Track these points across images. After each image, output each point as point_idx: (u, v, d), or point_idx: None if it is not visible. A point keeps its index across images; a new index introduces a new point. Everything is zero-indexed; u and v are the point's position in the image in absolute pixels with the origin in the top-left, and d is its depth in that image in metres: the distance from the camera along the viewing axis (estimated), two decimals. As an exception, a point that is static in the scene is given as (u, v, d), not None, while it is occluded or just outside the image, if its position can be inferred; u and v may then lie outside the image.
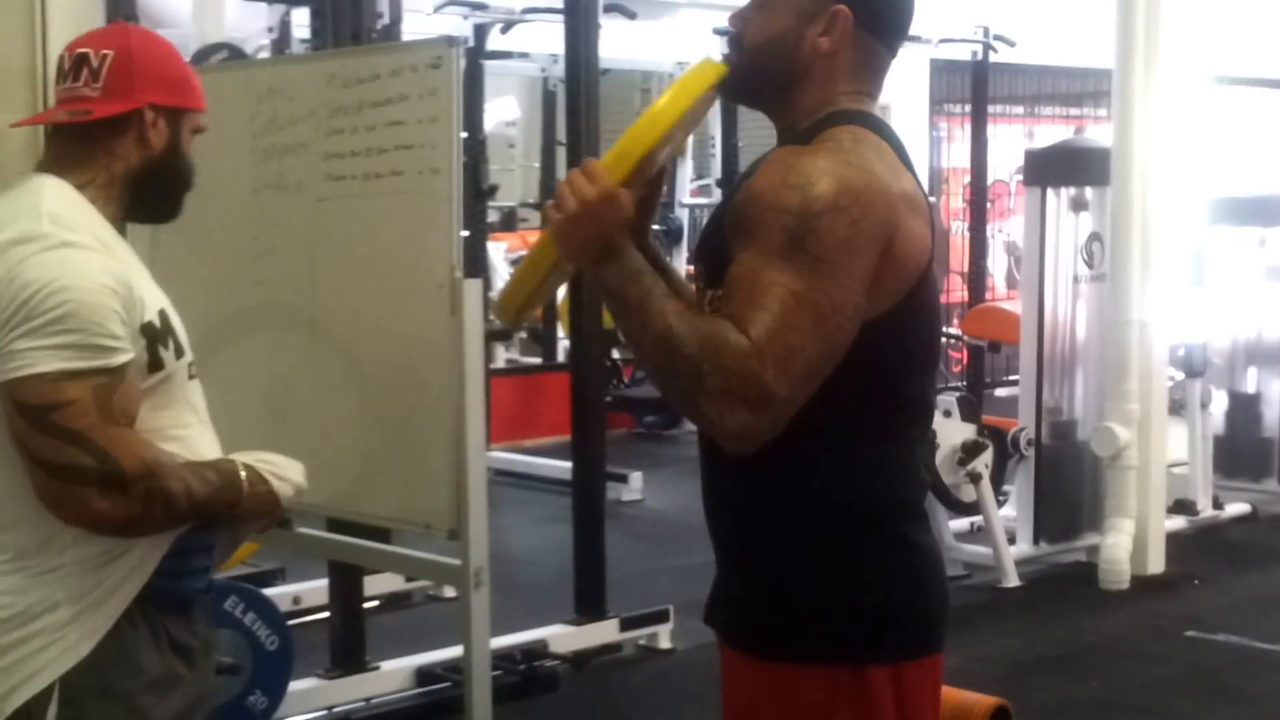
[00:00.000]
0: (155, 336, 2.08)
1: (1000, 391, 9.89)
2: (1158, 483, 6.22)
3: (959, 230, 10.44)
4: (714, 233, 1.97)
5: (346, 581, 4.56)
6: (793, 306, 1.78)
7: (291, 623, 4.39)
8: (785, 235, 1.80)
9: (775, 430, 1.80)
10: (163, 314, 2.11)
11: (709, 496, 2.04)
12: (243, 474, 2.14)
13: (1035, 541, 6.22)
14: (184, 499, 2.04)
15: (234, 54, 5.34)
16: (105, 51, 2.14)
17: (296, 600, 5.20)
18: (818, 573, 1.91)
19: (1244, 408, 7.53)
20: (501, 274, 11.18)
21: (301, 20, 5.46)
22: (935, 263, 1.96)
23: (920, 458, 2.08)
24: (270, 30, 6.11)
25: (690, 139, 10.00)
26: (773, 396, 1.77)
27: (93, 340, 1.98)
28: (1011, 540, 6.13)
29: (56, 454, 1.97)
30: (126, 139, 2.12)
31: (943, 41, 9.52)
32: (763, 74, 1.99)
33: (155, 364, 2.08)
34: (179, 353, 2.13)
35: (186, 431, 2.16)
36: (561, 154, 6.60)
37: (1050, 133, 11.50)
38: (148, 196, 2.17)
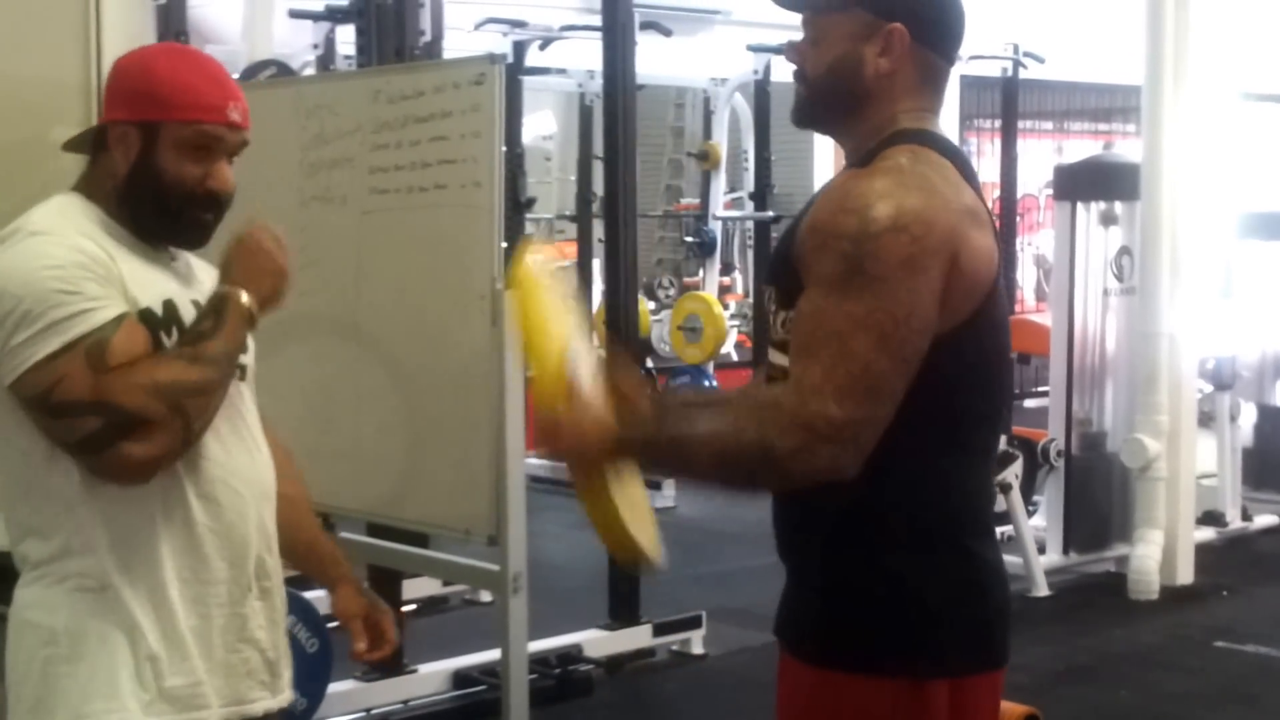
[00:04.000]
0: (155, 324, 2.04)
1: (1030, 402, 9.90)
2: (1187, 494, 6.25)
3: (989, 244, 10.46)
4: (783, 258, 1.95)
5: (385, 585, 4.60)
6: (850, 333, 1.79)
7: (331, 625, 4.45)
8: (844, 261, 1.80)
9: (865, 452, 1.80)
10: (169, 304, 2.08)
11: (778, 514, 2.04)
12: (229, 289, 2.06)
13: (1065, 551, 6.25)
14: (208, 372, 1.99)
15: (282, 70, 5.43)
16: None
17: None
18: (879, 585, 1.91)
19: (1273, 420, 7.52)
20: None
21: (346, 37, 5.56)
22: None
23: (989, 470, 2.06)
24: (316, 47, 6.20)
25: (724, 151, 10.09)
26: (844, 423, 1.78)
27: (70, 311, 1.95)
28: (1041, 550, 6.16)
29: (72, 433, 1.94)
30: (110, 155, 2.11)
31: (973, 58, 9.55)
32: (828, 102, 2.00)
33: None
34: None
35: None
36: (598, 167, 6.67)
37: (1079, 148, 11.53)
38: (140, 212, 2.11)
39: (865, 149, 1.96)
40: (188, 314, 2.09)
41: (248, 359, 2.20)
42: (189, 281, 2.17)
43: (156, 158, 2.08)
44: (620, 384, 1.98)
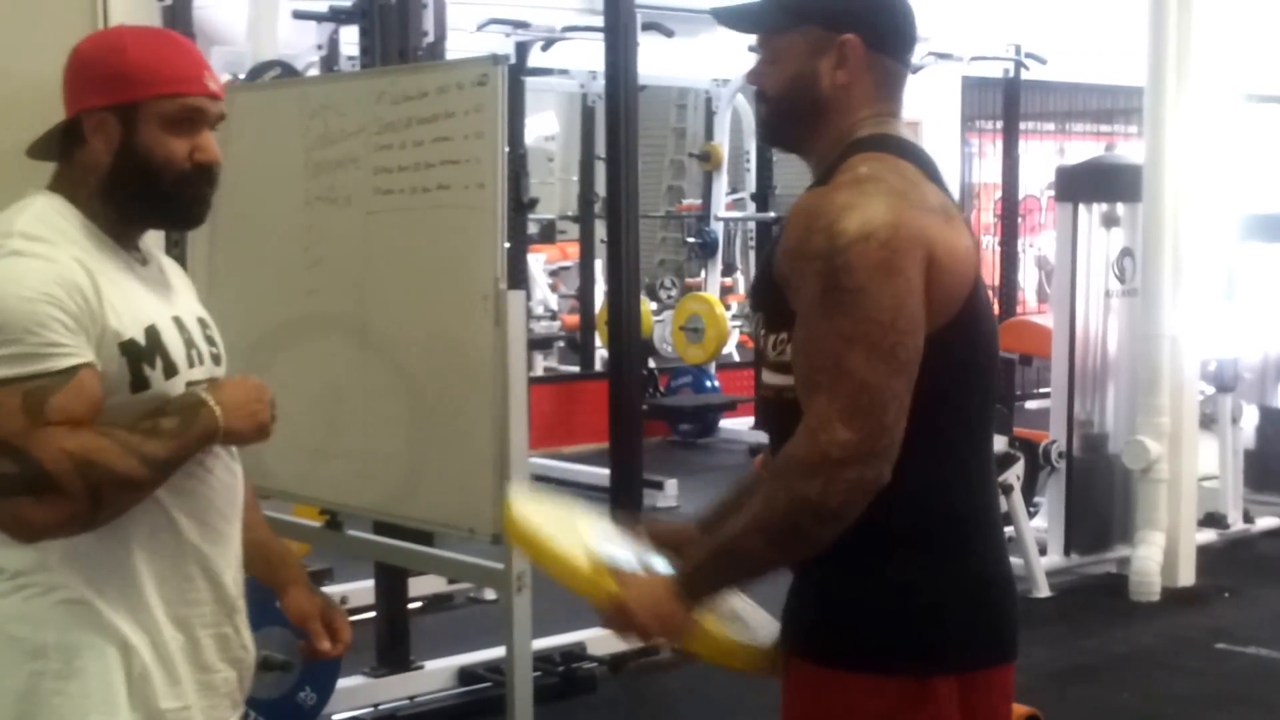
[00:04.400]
0: (138, 355, 1.96)
1: (1031, 404, 9.92)
2: (1188, 496, 6.25)
3: (990, 245, 10.51)
4: (765, 281, 1.99)
5: (392, 583, 4.66)
6: (842, 352, 1.81)
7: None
8: (820, 280, 1.83)
9: (890, 458, 1.83)
10: (151, 331, 1.99)
11: None
12: (210, 400, 1.97)
13: (1066, 553, 6.26)
14: (140, 469, 1.90)
15: (286, 71, 5.44)
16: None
17: (344, 600, 5.24)
18: (881, 584, 1.93)
19: (1274, 422, 7.51)
20: (541, 284, 11.28)
21: (350, 38, 5.57)
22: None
23: (989, 465, 2.07)
24: (320, 48, 6.21)
25: (726, 152, 10.10)
26: (857, 441, 1.80)
27: (27, 350, 1.86)
28: (1042, 551, 6.17)
29: None
30: (88, 147, 2.01)
31: (975, 59, 9.59)
32: (789, 119, 2.04)
33: (140, 383, 1.96)
34: (170, 371, 2.00)
35: None
36: (600, 168, 6.68)
37: (1081, 149, 11.54)
38: (132, 200, 2.02)
39: (825, 163, 1.99)
40: (170, 337, 2.02)
41: (220, 370, 2.14)
42: (165, 290, 2.10)
43: (141, 139, 2.00)
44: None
